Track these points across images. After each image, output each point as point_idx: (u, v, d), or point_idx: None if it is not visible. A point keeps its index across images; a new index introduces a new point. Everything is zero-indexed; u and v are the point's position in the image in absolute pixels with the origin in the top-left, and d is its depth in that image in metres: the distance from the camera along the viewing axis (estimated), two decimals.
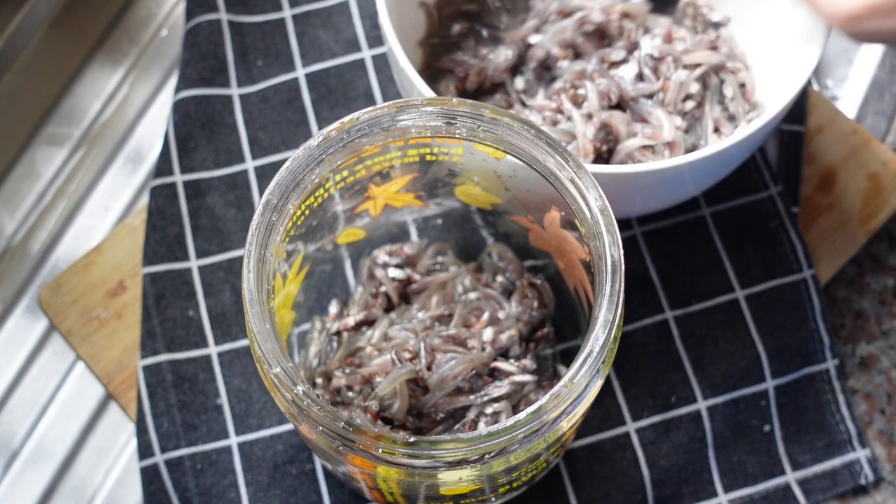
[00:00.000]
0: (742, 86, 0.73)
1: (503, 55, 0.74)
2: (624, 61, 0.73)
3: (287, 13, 0.81)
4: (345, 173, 0.59)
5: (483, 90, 0.74)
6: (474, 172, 0.63)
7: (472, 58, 0.75)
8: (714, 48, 0.73)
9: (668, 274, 0.74)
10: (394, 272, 0.69)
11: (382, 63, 0.79)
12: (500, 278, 0.69)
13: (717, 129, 0.72)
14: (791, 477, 0.70)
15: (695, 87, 0.71)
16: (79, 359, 0.73)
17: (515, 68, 0.75)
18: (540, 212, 0.63)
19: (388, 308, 0.69)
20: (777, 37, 0.72)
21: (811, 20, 0.67)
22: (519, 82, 0.74)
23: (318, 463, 0.69)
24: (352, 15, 0.81)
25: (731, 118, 0.72)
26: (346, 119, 0.57)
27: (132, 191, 0.80)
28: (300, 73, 0.79)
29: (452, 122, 0.57)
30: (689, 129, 0.71)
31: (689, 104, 0.72)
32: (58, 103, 0.82)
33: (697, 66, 0.72)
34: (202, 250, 0.74)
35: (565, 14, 0.74)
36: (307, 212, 0.59)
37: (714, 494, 0.69)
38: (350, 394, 0.65)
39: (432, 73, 0.75)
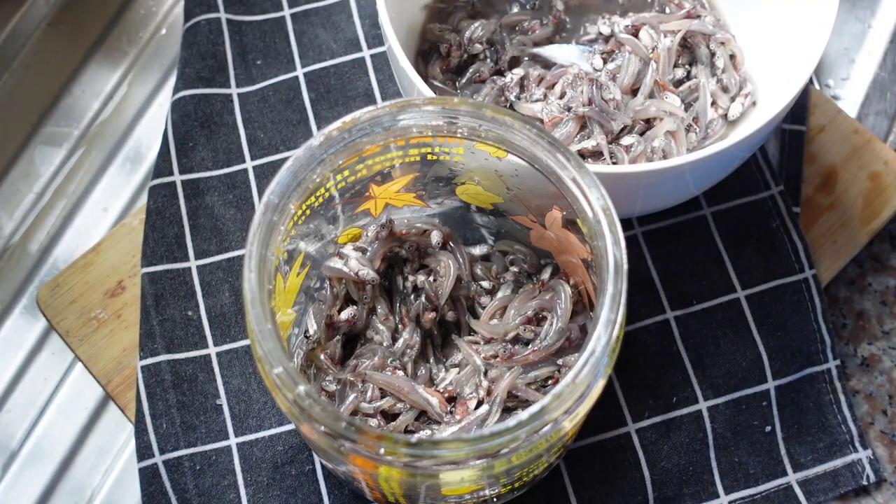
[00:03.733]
0: (732, 56, 0.74)
1: (479, 25, 0.75)
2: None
3: (286, 12, 0.81)
4: (346, 173, 0.59)
5: (464, 64, 0.75)
6: (475, 172, 0.63)
7: (454, 33, 0.75)
8: (694, 17, 0.74)
9: (668, 274, 0.74)
10: None
11: (382, 62, 0.79)
12: (513, 269, 0.69)
13: (713, 103, 0.73)
14: (792, 478, 0.70)
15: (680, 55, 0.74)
16: (77, 359, 0.73)
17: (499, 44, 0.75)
18: (541, 211, 0.63)
19: None
20: (778, 36, 0.72)
21: (812, 19, 0.67)
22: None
23: (318, 463, 0.69)
24: (351, 14, 0.80)
25: (725, 90, 0.73)
26: (347, 118, 0.57)
27: (131, 190, 0.80)
28: (299, 72, 0.79)
29: (454, 121, 0.57)
30: (686, 105, 0.73)
31: (679, 72, 0.73)
32: (56, 102, 0.82)
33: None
34: (201, 250, 0.74)
35: None
36: (308, 211, 0.59)
37: (715, 495, 0.69)
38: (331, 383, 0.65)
39: (425, 54, 0.76)
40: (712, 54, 0.73)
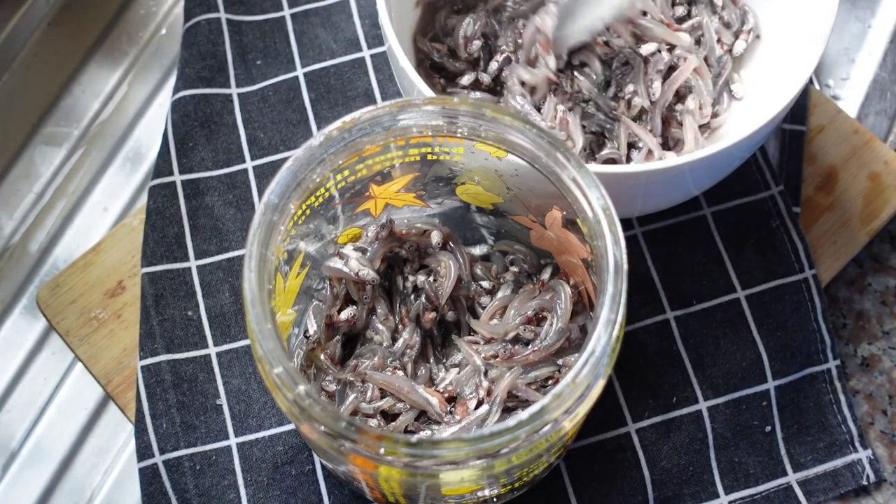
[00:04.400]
0: None
1: (469, 21, 0.74)
2: None
3: (286, 12, 0.80)
4: (346, 173, 0.59)
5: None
6: (475, 172, 0.63)
7: (445, 37, 0.75)
8: None
9: (668, 274, 0.74)
10: None
11: (382, 62, 0.79)
12: (513, 269, 0.69)
13: (718, 40, 0.74)
14: (792, 478, 0.70)
15: None
16: (77, 359, 0.73)
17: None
18: (541, 211, 0.63)
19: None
20: (778, 36, 0.72)
21: (812, 19, 0.67)
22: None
23: (318, 463, 0.69)
24: (351, 14, 0.80)
25: (727, 25, 0.74)
26: (347, 118, 0.57)
27: (131, 190, 0.80)
28: (299, 72, 0.79)
29: (454, 121, 0.57)
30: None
31: (680, 10, 0.74)
32: (56, 102, 0.82)
33: None
34: (201, 250, 0.74)
35: None
36: (308, 211, 0.59)
37: (715, 495, 0.69)
38: (331, 384, 0.65)
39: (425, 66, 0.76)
40: None
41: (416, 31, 0.75)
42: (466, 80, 0.74)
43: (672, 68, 0.72)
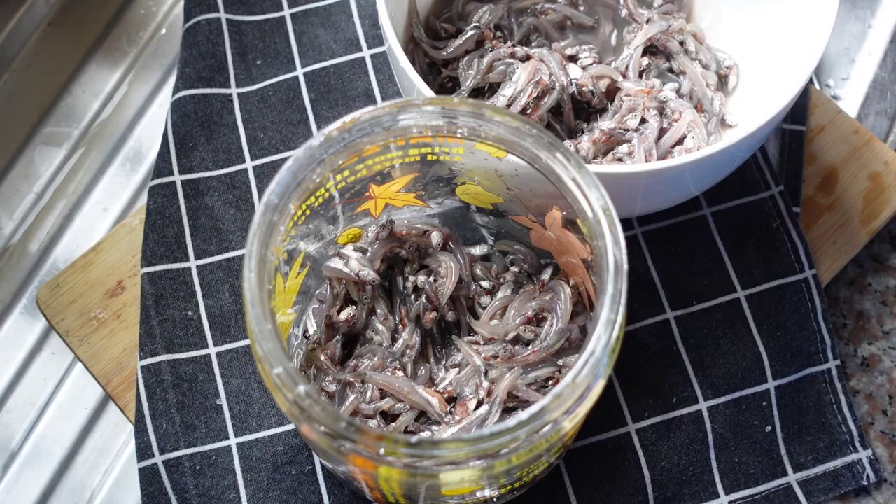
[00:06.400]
0: (693, 35, 0.76)
1: (486, 9, 0.75)
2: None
3: (286, 12, 0.80)
4: (346, 173, 0.59)
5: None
6: (475, 172, 0.63)
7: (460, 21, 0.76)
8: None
9: (668, 274, 0.74)
10: None
11: (382, 62, 0.79)
12: (513, 269, 0.69)
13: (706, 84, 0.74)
14: (792, 478, 0.70)
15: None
16: (77, 359, 0.73)
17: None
18: (541, 211, 0.63)
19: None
20: (778, 36, 0.72)
21: (812, 20, 0.67)
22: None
23: (318, 463, 0.69)
24: (351, 14, 0.80)
25: (706, 67, 0.75)
26: (347, 119, 0.57)
27: (131, 190, 0.80)
28: (299, 72, 0.79)
29: (454, 121, 0.57)
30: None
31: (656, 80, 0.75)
32: (56, 102, 0.82)
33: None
34: (201, 250, 0.74)
35: None
36: (308, 212, 0.59)
37: (715, 495, 0.69)
38: (331, 385, 0.65)
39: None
40: (682, 42, 0.74)
41: (429, 11, 0.76)
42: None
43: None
